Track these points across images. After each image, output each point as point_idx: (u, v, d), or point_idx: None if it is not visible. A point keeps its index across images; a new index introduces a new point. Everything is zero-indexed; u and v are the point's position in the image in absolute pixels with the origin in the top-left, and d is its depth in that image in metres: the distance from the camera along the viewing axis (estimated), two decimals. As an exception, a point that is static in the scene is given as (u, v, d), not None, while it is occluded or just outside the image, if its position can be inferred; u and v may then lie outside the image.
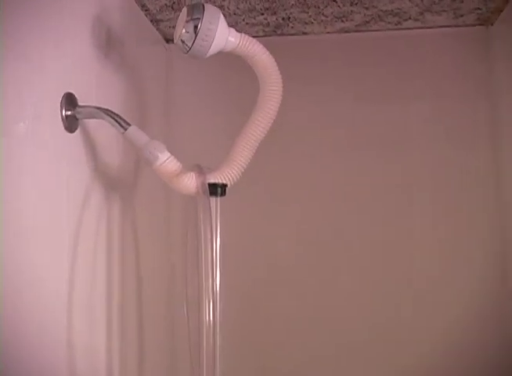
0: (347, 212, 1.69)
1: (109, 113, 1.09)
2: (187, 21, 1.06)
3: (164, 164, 1.07)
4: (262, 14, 1.60)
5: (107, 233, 1.24)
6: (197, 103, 1.78)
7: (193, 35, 1.05)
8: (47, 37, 1.00)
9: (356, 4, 1.52)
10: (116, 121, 1.08)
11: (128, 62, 1.42)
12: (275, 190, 1.72)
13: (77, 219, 1.08)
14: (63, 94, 1.05)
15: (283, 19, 1.63)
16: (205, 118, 1.76)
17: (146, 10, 1.55)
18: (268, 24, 1.67)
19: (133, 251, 1.39)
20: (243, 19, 1.64)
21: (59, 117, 1.04)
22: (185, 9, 1.07)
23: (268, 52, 1.14)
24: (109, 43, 1.28)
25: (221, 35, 1.08)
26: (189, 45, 1.06)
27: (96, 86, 1.21)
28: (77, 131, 1.10)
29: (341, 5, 1.53)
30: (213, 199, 1.09)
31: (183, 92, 1.79)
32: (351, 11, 1.57)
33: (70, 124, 1.07)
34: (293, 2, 1.51)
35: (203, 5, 1.07)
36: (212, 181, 1.11)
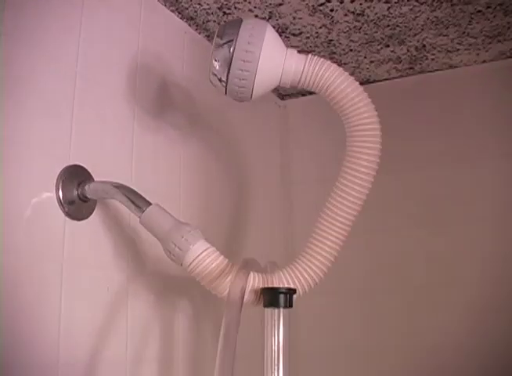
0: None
1: (123, 189, 0.76)
2: (217, 46, 0.71)
3: (197, 260, 0.71)
4: (387, 46, 1.19)
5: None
6: (318, 169, 1.39)
7: (226, 64, 0.70)
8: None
9: (517, 11, 1.06)
10: (130, 200, 0.75)
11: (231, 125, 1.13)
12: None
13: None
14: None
15: (417, 48, 1.20)
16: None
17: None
18: (399, 59, 1.25)
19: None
20: (365, 57, 1.25)
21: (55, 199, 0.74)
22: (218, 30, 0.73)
23: (360, 87, 0.74)
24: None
25: (272, 60, 0.71)
26: (224, 79, 0.71)
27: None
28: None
29: (491, 18, 1.07)
30: (272, 311, 0.69)
31: (301, 157, 1.43)
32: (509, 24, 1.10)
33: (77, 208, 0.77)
34: (422, 22, 1.09)
35: (241, 21, 0.71)
36: (276, 285, 0.71)
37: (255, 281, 0.71)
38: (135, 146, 0.90)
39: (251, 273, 0.71)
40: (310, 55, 0.73)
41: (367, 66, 1.29)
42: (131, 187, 0.77)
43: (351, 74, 1.28)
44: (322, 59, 0.73)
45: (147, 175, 0.92)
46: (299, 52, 0.74)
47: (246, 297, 0.71)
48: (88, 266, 0.78)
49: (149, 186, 0.90)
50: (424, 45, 1.18)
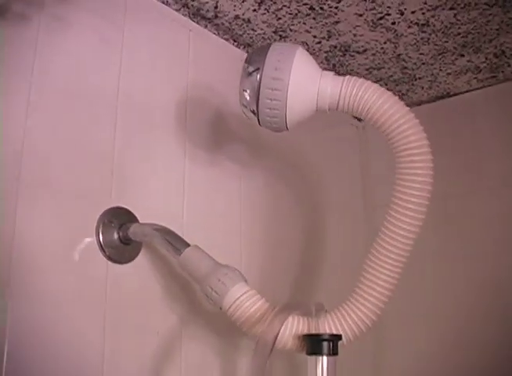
0: None
1: (162, 232, 0.73)
2: (245, 75, 0.67)
3: (235, 304, 0.66)
4: (462, 55, 1.09)
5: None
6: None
7: (255, 95, 0.65)
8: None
9: None
10: (168, 242, 0.72)
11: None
12: None
13: None
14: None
15: (496, 55, 1.09)
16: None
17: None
18: (478, 68, 1.15)
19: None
20: (440, 69, 1.15)
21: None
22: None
23: (405, 108, 0.67)
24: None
25: (303, 85, 0.65)
26: (255, 109, 0.66)
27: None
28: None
29: None
30: (316, 358, 0.63)
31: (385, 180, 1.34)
32: None
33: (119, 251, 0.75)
34: (496, 26, 0.99)
35: (269, 46, 0.67)
36: (321, 329, 0.65)
37: (299, 326, 0.66)
38: (187, 183, 0.87)
39: (293, 317, 0.66)
40: (348, 76, 0.67)
41: (444, 78, 1.19)
42: (172, 229, 0.74)
43: (429, 88, 1.22)
44: (361, 80, 0.66)
45: (201, 213, 0.89)
46: (338, 74, 0.68)
47: (290, 343, 0.65)
48: (134, 309, 0.76)
49: (205, 224, 0.88)
50: (504, 51, 1.07)
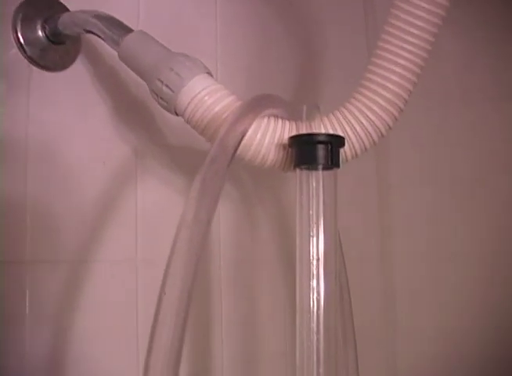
0: None
1: (99, 19, 0.52)
2: None
3: (194, 103, 0.46)
4: None
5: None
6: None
7: None
8: None
9: None
10: (107, 29, 0.51)
11: None
12: None
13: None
14: None
15: None
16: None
17: None
18: None
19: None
20: None
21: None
22: None
23: None
24: None
25: None
26: None
27: None
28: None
29: None
30: (307, 174, 0.44)
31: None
32: None
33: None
34: None
35: None
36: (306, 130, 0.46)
37: (284, 130, 0.46)
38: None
39: (274, 119, 0.46)
40: None
41: None
42: (113, 15, 0.53)
43: None
44: None
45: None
46: None
47: (271, 155, 0.46)
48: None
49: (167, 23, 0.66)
50: None
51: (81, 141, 0.57)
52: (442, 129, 0.91)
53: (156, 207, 0.62)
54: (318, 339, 0.42)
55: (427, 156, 0.91)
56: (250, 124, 0.43)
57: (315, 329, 0.43)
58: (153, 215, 0.62)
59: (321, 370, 0.43)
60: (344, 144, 0.44)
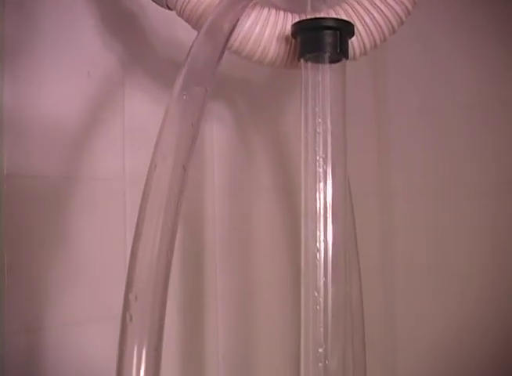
0: None
1: None
2: None
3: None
4: None
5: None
6: None
7: None
8: None
9: None
10: None
11: None
12: None
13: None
14: None
15: None
16: None
17: None
18: None
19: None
20: None
21: None
22: None
23: None
24: None
25: None
26: None
27: None
28: None
29: None
30: (312, 66, 0.40)
31: None
32: None
33: None
34: None
35: None
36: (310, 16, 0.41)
37: (286, 21, 0.42)
38: None
39: (275, 10, 0.42)
40: None
41: None
42: None
43: None
44: None
45: None
46: None
47: (273, 49, 0.42)
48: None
49: None
50: None
51: (63, 50, 0.52)
52: (444, 136, 0.85)
53: (145, 122, 0.58)
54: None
55: (426, 162, 0.85)
56: (242, 11, 0.39)
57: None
58: (141, 130, 0.57)
59: (329, 324, 0.39)
60: (353, 32, 0.40)
